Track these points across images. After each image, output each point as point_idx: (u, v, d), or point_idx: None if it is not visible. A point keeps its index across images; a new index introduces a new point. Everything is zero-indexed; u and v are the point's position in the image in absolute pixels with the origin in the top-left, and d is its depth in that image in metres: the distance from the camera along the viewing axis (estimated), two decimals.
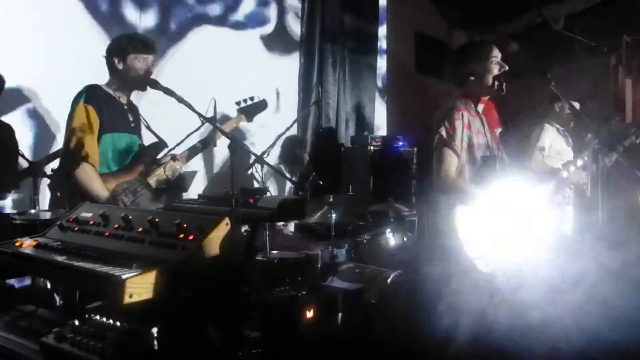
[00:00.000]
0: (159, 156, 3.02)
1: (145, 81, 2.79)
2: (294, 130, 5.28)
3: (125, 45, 2.86)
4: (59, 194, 3.27)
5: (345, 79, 6.14)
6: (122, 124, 2.89)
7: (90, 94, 2.79)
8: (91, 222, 1.87)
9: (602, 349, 2.30)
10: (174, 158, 2.98)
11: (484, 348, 2.61)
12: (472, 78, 2.79)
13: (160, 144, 3.02)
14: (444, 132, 2.71)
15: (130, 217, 1.80)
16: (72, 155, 2.70)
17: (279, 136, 4.62)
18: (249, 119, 3.35)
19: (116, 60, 2.86)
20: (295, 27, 5.64)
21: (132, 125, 2.96)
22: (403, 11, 7.02)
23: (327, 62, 5.91)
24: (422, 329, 2.76)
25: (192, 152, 3.08)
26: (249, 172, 4.25)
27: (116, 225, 1.80)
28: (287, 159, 4.71)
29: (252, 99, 3.33)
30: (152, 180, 2.88)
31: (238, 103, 3.28)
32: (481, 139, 2.79)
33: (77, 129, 2.71)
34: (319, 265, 3.37)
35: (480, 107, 2.87)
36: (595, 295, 2.38)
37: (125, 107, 2.95)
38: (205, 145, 3.12)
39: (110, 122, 2.81)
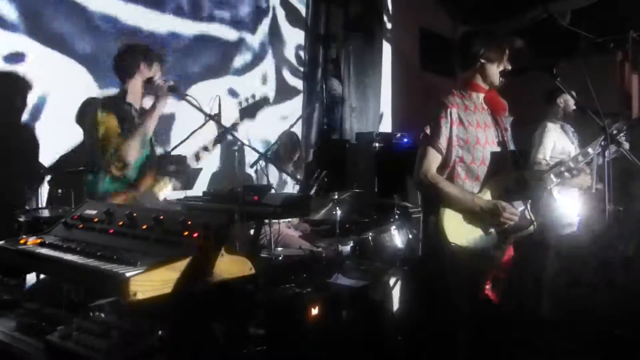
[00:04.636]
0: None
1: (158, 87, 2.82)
2: (298, 128, 5.27)
3: (134, 55, 2.84)
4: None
5: (350, 76, 6.12)
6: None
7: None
8: (95, 220, 1.87)
9: None
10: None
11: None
12: (481, 63, 2.69)
13: (166, 155, 3.00)
14: (428, 130, 2.66)
15: (135, 214, 1.79)
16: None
17: (284, 133, 4.60)
18: (251, 117, 3.31)
19: (133, 69, 2.84)
20: None
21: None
22: (407, 7, 7.00)
23: (332, 59, 5.90)
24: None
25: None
26: (253, 169, 4.23)
27: (120, 223, 1.80)
28: (287, 155, 4.68)
29: (253, 97, 3.30)
30: (161, 193, 2.84)
31: (240, 103, 3.24)
32: (482, 132, 2.68)
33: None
34: (324, 263, 3.37)
35: (481, 96, 2.81)
36: None
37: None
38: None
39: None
